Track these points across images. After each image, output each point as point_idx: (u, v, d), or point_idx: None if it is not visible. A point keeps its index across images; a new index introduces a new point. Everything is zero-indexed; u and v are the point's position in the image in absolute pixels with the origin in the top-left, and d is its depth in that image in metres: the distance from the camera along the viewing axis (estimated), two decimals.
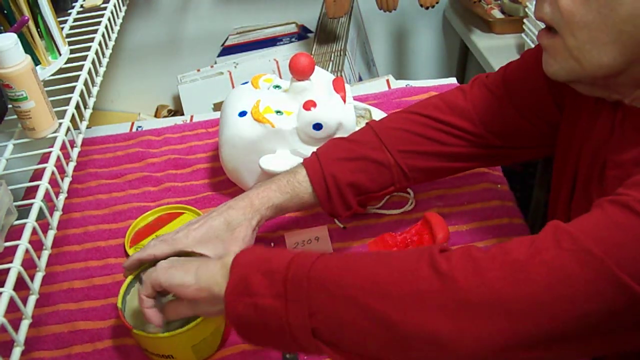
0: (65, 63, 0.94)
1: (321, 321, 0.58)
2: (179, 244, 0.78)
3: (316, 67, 0.98)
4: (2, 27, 0.86)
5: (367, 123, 0.90)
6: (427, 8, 1.41)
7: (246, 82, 1.05)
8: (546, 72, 0.66)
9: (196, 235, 0.79)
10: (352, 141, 0.87)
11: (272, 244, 0.97)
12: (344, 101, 0.95)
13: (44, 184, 0.75)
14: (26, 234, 0.68)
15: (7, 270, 0.64)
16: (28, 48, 0.86)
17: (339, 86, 0.96)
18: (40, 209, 0.72)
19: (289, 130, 0.95)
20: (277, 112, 0.97)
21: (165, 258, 0.75)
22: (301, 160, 0.90)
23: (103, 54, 1.06)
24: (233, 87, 1.49)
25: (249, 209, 0.81)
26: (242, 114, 0.97)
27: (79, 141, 0.90)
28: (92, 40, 1.02)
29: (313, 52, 1.41)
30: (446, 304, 0.53)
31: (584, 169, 0.73)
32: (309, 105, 0.93)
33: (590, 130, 0.72)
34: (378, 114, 1.11)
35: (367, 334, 0.56)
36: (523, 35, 1.37)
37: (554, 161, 0.82)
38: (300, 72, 0.95)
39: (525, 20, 1.36)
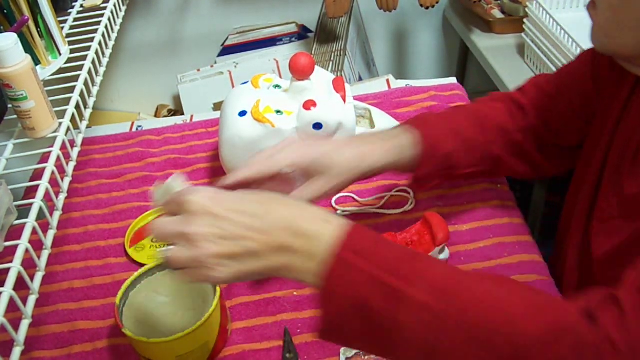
0: (65, 63, 0.94)
1: None
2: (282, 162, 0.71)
3: (316, 67, 0.98)
4: (2, 27, 0.86)
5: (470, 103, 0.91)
6: (427, 8, 1.41)
7: (246, 82, 1.05)
8: (591, 42, 0.70)
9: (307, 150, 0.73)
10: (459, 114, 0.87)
11: None
12: (344, 101, 0.95)
13: (44, 184, 0.75)
14: (26, 233, 0.68)
15: (7, 270, 0.64)
16: (28, 48, 0.86)
17: (339, 86, 0.96)
18: (40, 209, 0.72)
19: (289, 130, 0.95)
20: (277, 112, 0.96)
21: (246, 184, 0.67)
22: None
23: (103, 53, 1.06)
24: (233, 87, 1.49)
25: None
26: (242, 113, 0.97)
27: (79, 141, 0.90)
28: (92, 40, 1.02)
29: (313, 52, 1.41)
30: None
31: (615, 155, 0.74)
32: (309, 105, 0.93)
33: (624, 116, 0.74)
34: (378, 114, 1.11)
35: None
36: (523, 35, 1.36)
37: (580, 153, 0.83)
38: (300, 72, 0.95)
39: (525, 20, 1.36)
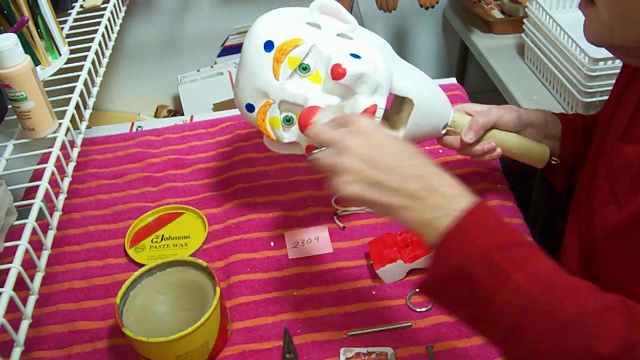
0: (65, 63, 0.94)
1: (512, 357, 0.59)
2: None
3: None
4: (2, 27, 0.86)
5: None
6: (427, 8, 1.41)
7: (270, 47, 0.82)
8: (585, 38, 0.72)
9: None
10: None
11: (272, 244, 0.97)
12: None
13: (44, 184, 0.75)
14: (26, 234, 0.68)
15: (7, 270, 0.64)
16: (28, 48, 0.86)
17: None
18: (40, 210, 0.72)
19: (288, 138, 0.85)
20: (287, 120, 0.85)
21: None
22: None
23: (103, 54, 1.06)
24: (233, 87, 1.49)
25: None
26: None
27: (79, 141, 0.90)
28: (92, 40, 1.02)
29: None
30: None
31: (611, 135, 0.77)
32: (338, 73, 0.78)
33: (622, 101, 0.77)
34: None
35: None
36: (523, 35, 1.36)
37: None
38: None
39: (525, 20, 1.35)
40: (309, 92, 0.82)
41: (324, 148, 0.67)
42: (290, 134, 0.86)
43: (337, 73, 0.78)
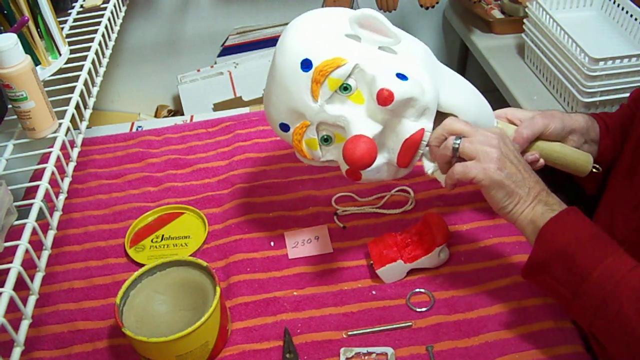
0: (65, 63, 0.94)
1: (599, 334, 0.68)
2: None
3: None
4: (2, 27, 0.86)
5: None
6: (427, 8, 1.41)
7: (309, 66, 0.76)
8: None
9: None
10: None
11: (272, 243, 0.97)
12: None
13: (44, 184, 0.75)
14: (26, 234, 0.68)
15: (7, 270, 0.64)
16: (28, 48, 0.86)
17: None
18: (40, 209, 0.72)
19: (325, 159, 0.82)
20: (325, 140, 0.80)
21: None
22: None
23: (103, 54, 1.06)
24: (233, 87, 1.49)
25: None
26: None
27: (79, 141, 0.90)
28: (92, 40, 1.02)
29: None
30: None
31: None
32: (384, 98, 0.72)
33: None
34: None
35: None
36: (523, 35, 1.36)
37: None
38: (357, 163, 0.74)
39: (525, 21, 1.35)
40: (350, 114, 0.75)
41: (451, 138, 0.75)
42: (329, 153, 0.81)
43: (383, 99, 0.71)
